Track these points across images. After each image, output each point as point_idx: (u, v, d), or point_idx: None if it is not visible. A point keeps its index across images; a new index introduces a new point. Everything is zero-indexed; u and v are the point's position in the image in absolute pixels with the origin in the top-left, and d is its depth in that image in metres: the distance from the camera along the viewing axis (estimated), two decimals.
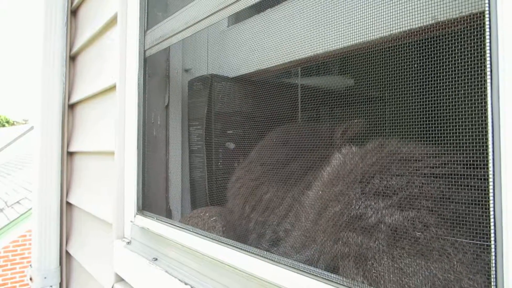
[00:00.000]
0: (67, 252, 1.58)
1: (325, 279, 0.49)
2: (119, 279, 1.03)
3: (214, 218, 0.85)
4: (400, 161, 0.48)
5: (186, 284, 0.73)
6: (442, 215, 0.41)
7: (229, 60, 1.04)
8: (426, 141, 0.45)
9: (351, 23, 0.67)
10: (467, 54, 0.46)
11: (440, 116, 0.44)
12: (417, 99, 0.58)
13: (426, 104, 0.53)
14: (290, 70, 0.99)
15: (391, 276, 0.41)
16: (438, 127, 0.44)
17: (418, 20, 0.56)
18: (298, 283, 0.52)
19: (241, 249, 0.65)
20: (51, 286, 1.52)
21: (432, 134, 0.45)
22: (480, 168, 0.38)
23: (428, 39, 0.59)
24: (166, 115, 1.11)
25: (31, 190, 5.50)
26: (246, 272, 0.62)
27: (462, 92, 0.43)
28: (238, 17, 1.06)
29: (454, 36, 0.50)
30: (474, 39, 0.45)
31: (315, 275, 0.50)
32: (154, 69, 1.08)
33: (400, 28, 0.59)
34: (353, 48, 0.71)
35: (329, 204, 0.53)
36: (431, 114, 0.46)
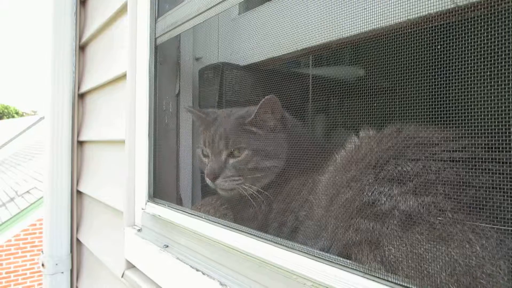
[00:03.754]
0: (77, 240, 1.61)
1: (340, 264, 0.49)
2: (130, 265, 1.04)
3: (225, 206, 0.85)
4: (419, 145, 0.48)
5: (197, 270, 0.73)
6: (463, 201, 0.41)
7: (240, 48, 1.03)
8: (449, 124, 0.44)
9: (367, 9, 0.66)
10: (490, 39, 0.45)
11: (462, 100, 0.43)
12: (438, 83, 0.57)
13: (446, 88, 0.52)
14: (302, 58, 0.98)
15: (413, 262, 0.41)
16: (460, 111, 0.43)
17: (436, 4, 0.54)
18: (312, 268, 0.52)
19: (253, 235, 0.65)
20: (62, 272, 1.54)
21: (454, 118, 0.44)
22: (504, 151, 0.37)
23: (447, 24, 0.57)
24: (177, 103, 1.10)
25: (41, 180, 5.59)
26: (258, 258, 0.62)
27: (485, 75, 0.42)
28: (249, 5, 1.04)
29: (475, 22, 0.48)
30: (498, 24, 0.43)
31: (330, 261, 0.50)
32: (165, 57, 1.07)
33: (417, 13, 0.57)
34: (368, 35, 0.70)
35: (341, 190, 0.52)
36: (452, 97, 0.45)
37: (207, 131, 0.89)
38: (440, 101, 0.49)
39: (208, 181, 0.85)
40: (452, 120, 0.45)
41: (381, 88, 0.80)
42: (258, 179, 0.82)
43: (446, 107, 0.46)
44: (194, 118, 0.98)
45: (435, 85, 0.65)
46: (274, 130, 0.83)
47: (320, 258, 0.52)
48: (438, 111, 0.48)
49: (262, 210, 0.79)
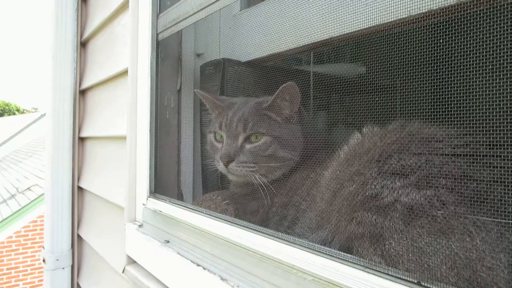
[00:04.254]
0: (78, 236, 1.61)
1: (340, 258, 0.49)
2: (131, 261, 1.04)
3: (226, 201, 0.85)
4: (423, 141, 0.48)
5: (198, 265, 0.74)
6: (464, 194, 0.41)
7: (241, 44, 1.03)
8: (451, 121, 0.44)
9: (368, 5, 0.66)
10: (491, 35, 0.45)
11: (464, 97, 0.43)
12: (440, 80, 0.57)
13: (449, 85, 0.52)
14: (303, 54, 0.98)
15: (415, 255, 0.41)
16: (462, 107, 0.43)
17: (438, 0, 0.54)
18: (312, 262, 0.52)
19: (254, 229, 0.65)
20: (63, 268, 1.55)
21: (457, 114, 0.44)
22: (505, 145, 0.37)
23: (450, 20, 0.57)
24: (179, 99, 1.11)
25: (41, 177, 5.60)
26: (258, 252, 0.62)
27: (487, 72, 0.42)
28: (250, 1, 1.04)
29: (478, 17, 0.48)
30: (501, 20, 0.43)
31: (330, 255, 0.50)
32: (166, 53, 1.07)
33: (419, 9, 0.57)
34: (369, 31, 0.70)
35: (345, 184, 0.52)
36: (454, 95, 0.45)
37: (223, 114, 0.86)
38: (443, 98, 0.49)
39: (220, 165, 0.82)
40: (455, 117, 0.45)
41: (383, 85, 0.80)
42: (272, 170, 0.79)
43: (449, 105, 0.46)
44: (207, 103, 0.94)
45: (438, 82, 0.65)
46: (290, 120, 0.80)
47: (320, 252, 0.52)
48: (441, 109, 0.48)
49: (264, 204, 0.79)
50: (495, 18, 0.44)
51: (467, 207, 0.41)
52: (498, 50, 0.43)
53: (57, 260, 1.54)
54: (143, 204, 1.03)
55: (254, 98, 0.91)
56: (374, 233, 0.46)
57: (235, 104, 0.87)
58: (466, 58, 0.48)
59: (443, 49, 0.56)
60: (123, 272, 1.05)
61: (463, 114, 0.43)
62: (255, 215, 0.80)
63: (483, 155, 0.41)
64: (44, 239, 1.58)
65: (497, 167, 0.39)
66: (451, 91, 0.46)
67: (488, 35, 0.44)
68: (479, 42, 0.46)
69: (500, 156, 0.39)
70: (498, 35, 0.43)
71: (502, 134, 0.38)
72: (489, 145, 0.41)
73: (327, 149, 0.69)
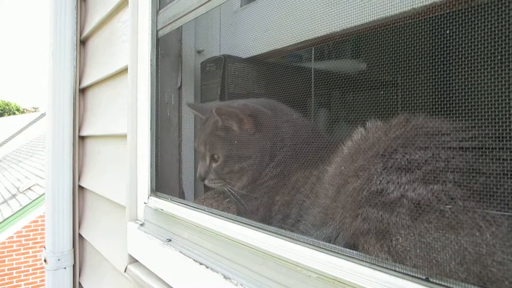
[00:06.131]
0: (80, 235, 1.61)
1: (345, 255, 0.48)
2: (133, 260, 1.04)
3: (228, 199, 0.85)
4: (428, 134, 0.47)
5: (201, 264, 0.73)
6: (473, 188, 0.40)
7: (242, 41, 1.03)
8: (458, 113, 0.44)
9: None
10: (497, 26, 0.44)
11: (471, 89, 0.42)
12: (447, 72, 0.56)
13: (456, 78, 0.52)
14: (304, 50, 0.97)
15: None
16: (470, 100, 0.42)
17: None
18: (317, 260, 0.51)
19: (257, 227, 0.64)
20: (64, 267, 1.54)
21: (465, 107, 0.43)
22: None
23: (453, 13, 0.56)
24: (179, 96, 1.10)
25: (42, 177, 5.60)
26: (261, 250, 0.62)
27: (493, 65, 0.41)
28: None
29: (482, 9, 0.48)
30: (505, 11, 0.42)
31: (335, 252, 0.49)
32: (166, 50, 1.07)
33: (422, 2, 0.57)
34: (372, 25, 0.69)
35: (349, 180, 0.52)
36: (461, 87, 0.44)
37: (197, 135, 0.95)
38: (450, 91, 0.48)
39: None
40: (462, 109, 0.44)
41: (384, 82, 0.79)
42: (237, 180, 0.86)
43: (456, 97, 0.45)
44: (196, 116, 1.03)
45: (443, 76, 0.64)
46: (242, 133, 0.85)
47: (325, 249, 0.51)
48: (448, 101, 0.48)
49: (264, 203, 0.79)
50: (503, 8, 0.43)
51: (476, 202, 0.40)
52: (507, 40, 0.42)
53: (59, 260, 1.53)
54: (145, 203, 1.03)
55: (232, 101, 0.94)
56: (380, 229, 0.46)
57: (206, 121, 0.93)
58: (473, 49, 0.47)
59: (448, 41, 0.55)
60: (125, 271, 1.04)
61: (470, 106, 0.43)
62: (256, 213, 0.80)
63: (491, 148, 0.41)
64: (45, 239, 1.58)
65: (506, 159, 0.38)
66: (458, 82, 0.46)
67: (497, 25, 0.43)
68: (488, 32, 0.45)
69: (510, 149, 0.38)
70: (508, 25, 0.42)
71: (511, 126, 0.38)
72: (498, 137, 0.40)
73: (327, 146, 0.69)
